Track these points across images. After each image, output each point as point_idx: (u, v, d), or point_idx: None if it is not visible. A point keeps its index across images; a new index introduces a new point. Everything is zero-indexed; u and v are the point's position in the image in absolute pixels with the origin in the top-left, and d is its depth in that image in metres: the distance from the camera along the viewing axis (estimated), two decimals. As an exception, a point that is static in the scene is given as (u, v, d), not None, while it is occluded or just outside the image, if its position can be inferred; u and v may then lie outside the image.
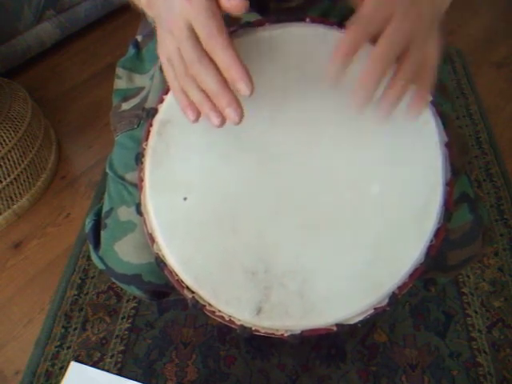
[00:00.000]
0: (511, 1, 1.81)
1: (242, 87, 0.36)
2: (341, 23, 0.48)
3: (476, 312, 0.98)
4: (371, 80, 0.38)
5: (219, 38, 0.36)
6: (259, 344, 0.96)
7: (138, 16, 0.59)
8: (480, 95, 1.46)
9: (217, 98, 0.37)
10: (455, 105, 1.43)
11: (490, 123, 1.37)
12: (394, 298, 0.44)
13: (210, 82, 0.37)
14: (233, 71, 0.36)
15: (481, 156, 1.29)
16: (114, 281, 0.61)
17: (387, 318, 0.98)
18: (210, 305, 0.44)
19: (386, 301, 0.44)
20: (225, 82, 0.37)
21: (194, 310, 0.44)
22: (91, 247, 0.61)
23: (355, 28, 0.38)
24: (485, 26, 1.73)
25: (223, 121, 0.38)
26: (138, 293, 0.63)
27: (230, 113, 0.37)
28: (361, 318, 0.44)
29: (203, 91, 0.38)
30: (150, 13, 0.44)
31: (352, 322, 0.44)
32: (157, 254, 0.46)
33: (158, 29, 0.41)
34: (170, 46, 0.39)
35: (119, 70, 0.70)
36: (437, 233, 0.45)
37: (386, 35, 0.38)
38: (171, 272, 0.45)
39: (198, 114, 0.39)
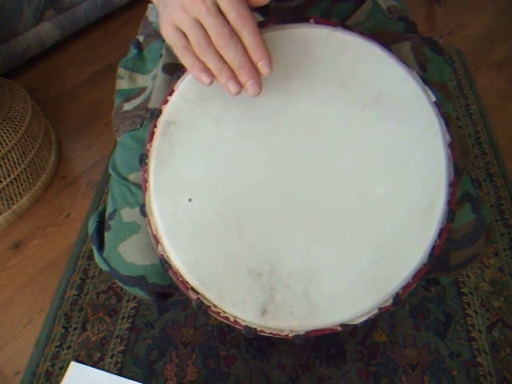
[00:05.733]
0: (511, 1, 1.82)
1: (264, 66, 0.41)
2: (345, 24, 0.48)
3: (476, 312, 0.98)
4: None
5: (249, 20, 0.40)
6: (259, 344, 0.96)
7: (138, 16, 0.59)
8: (480, 95, 1.46)
9: (241, 70, 0.40)
10: (455, 105, 1.43)
11: (489, 123, 1.37)
12: (398, 298, 0.45)
13: (238, 56, 0.40)
14: (259, 50, 0.40)
15: (481, 156, 1.29)
16: (118, 283, 0.60)
17: (387, 318, 0.98)
18: (214, 306, 0.44)
19: (391, 301, 0.45)
20: (250, 58, 0.41)
21: (199, 311, 0.44)
22: (95, 249, 0.60)
23: None
24: (485, 26, 1.73)
25: (240, 90, 0.41)
26: (141, 294, 0.63)
27: (252, 84, 0.41)
28: (365, 318, 0.44)
29: (222, 61, 0.41)
30: None
31: (356, 323, 0.44)
32: (161, 255, 0.45)
33: (164, 5, 0.43)
34: (183, 17, 0.41)
35: (121, 71, 0.70)
36: (440, 233, 0.45)
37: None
38: (176, 273, 0.45)
39: (213, 78, 0.42)
